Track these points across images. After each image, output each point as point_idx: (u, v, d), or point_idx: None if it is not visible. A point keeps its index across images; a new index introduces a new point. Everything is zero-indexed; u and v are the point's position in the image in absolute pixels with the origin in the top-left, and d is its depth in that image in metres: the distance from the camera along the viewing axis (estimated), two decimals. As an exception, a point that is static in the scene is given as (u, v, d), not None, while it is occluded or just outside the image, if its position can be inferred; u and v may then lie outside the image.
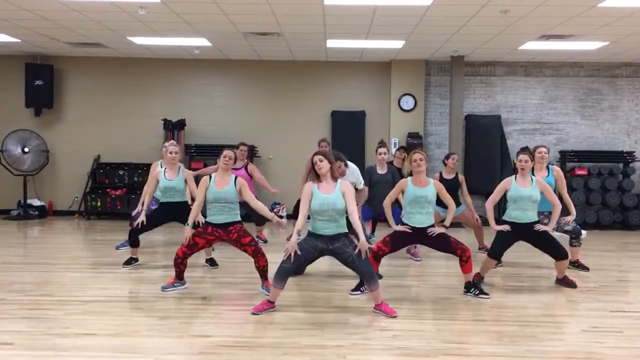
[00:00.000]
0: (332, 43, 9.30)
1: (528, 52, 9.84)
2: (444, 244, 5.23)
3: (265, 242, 8.24)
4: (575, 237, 6.41)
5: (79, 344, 4.02)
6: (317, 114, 10.80)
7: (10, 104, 10.86)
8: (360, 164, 7.44)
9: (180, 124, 10.76)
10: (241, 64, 11.02)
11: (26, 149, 10.60)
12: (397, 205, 5.89)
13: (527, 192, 5.45)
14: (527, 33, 8.44)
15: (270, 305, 4.74)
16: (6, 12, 7.57)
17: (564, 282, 5.75)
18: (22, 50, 10.33)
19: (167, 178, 6.36)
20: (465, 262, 5.19)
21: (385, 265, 6.91)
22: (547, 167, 6.36)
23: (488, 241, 7.33)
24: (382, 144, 7.24)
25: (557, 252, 5.49)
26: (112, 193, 10.61)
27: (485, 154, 10.63)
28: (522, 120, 10.96)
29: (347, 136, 10.61)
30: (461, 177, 7.39)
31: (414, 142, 10.17)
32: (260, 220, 8.15)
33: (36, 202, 10.81)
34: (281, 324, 4.50)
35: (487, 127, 10.70)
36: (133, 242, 6.48)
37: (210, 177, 5.31)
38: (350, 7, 7.09)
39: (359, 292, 5.32)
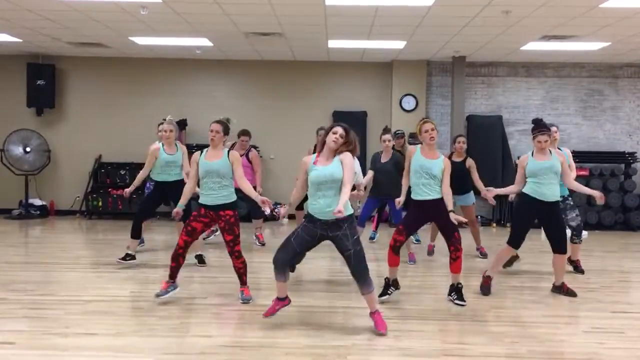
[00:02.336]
0: (333, 43, 9.29)
1: (530, 53, 9.83)
2: (448, 228, 5.00)
3: (263, 244, 7.92)
4: (576, 233, 6.27)
5: (79, 344, 4.03)
6: (318, 114, 10.79)
7: (11, 104, 10.87)
8: (361, 164, 7.37)
9: (182, 124, 10.76)
10: (242, 64, 11.03)
11: (28, 149, 10.61)
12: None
13: (545, 163, 5.20)
14: (529, 33, 8.43)
15: (281, 303, 4.48)
16: (8, 12, 7.57)
17: (563, 289, 5.47)
18: (23, 50, 10.34)
19: (166, 152, 6.47)
20: (454, 260, 5.03)
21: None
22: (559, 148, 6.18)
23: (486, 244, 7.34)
24: (386, 130, 6.90)
25: (559, 243, 5.27)
26: (113, 193, 10.61)
27: (487, 155, 10.61)
28: (523, 120, 10.94)
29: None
30: (470, 162, 7.13)
31: (415, 143, 10.11)
32: (257, 214, 7.86)
33: (38, 202, 10.82)
34: (282, 324, 4.50)
35: (489, 128, 10.69)
36: (135, 232, 6.47)
37: (201, 152, 5.10)
38: (352, 7, 7.09)
39: (386, 296, 5.15)
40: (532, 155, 5.35)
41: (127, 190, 6.48)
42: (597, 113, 10.96)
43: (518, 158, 10.71)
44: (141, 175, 6.56)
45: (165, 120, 6.66)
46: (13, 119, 10.73)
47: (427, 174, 4.95)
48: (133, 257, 6.50)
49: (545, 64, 10.83)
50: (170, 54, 10.53)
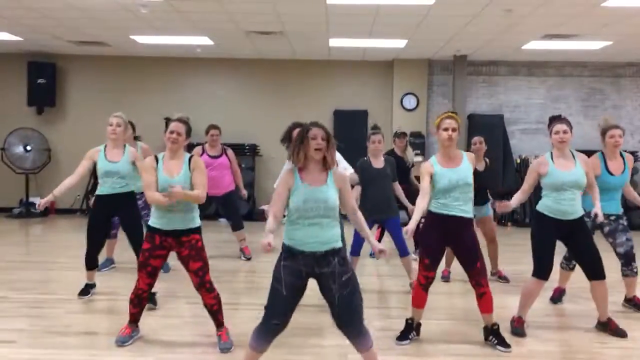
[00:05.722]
0: (334, 42, 9.28)
1: (531, 52, 9.81)
2: (470, 256, 4.01)
3: (249, 259, 6.92)
4: (626, 263, 4.83)
5: (80, 343, 4.03)
6: (319, 113, 10.71)
7: (12, 103, 10.86)
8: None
9: (183, 123, 10.75)
10: (243, 63, 11.02)
11: (28, 148, 10.61)
12: (398, 216, 5.46)
13: (570, 176, 4.17)
14: (530, 32, 8.42)
15: None
16: (9, 10, 7.56)
17: (610, 328, 4.37)
18: (24, 48, 10.33)
19: (107, 159, 4.94)
20: (479, 297, 4.06)
21: (385, 265, 6.92)
22: (621, 155, 4.98)
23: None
24: (375, 129, 5.68)
25: (594, 267, 4.23)
26: (114, 191, 10.57)
27: (488, 154, 10.58)
28: (525, 119, 10.94)
29: (349, 136, 10.53)
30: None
31: (416, 142, 10.17)
32: (238, 225, 6.97)
33: (38, 201, 10.77)
34: (283, 323, 4.49)
35: (490, 127, 10.66)
36: (90, 263, 5.23)
37: (157, 159, 3.94)
38: (353, 6, 7.07)
39: (407, 341, 4.18)
40: (552, 159, 4.26)
41: (42, 201, 4.90)
42: (598, 112, 10.92)
43: (520, 157, 10.89)
44: (67, 182, 5.01)
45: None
46: (13, 118, 10.71)
47: (463, 184, 3.95)
48: (93, 286, 5.35)
49: (547, 63, 10.81)
50: (171, 52, 10.52)
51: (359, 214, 3.38)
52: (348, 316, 3.15)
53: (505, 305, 4.92)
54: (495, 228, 6.11)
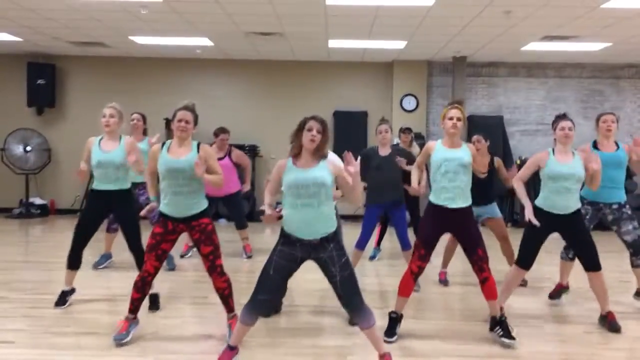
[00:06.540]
0: (334, 43, 9.29)
1: (530, 53, 9.82)
2: (471, 242, 4.09)
3: (250, 257, 7.03)
4: (635, 252, 4.80)
5: (79, 343, 4.03)
6: (318, 114, 10.67)
7: (12, 103, 10.87)
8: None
9: (182, 124, 10.75)
10: (243, 64, 11.03)
11: (28, 148, 10.61)
12: (404, 205, 5.49)
13: (567, 168, 4.29)
14: (530, 34, 8.43)
15: (233, 353, 3.63)
16: (9, 11, 7.57)
17: (607, 320, 4.50)
18: (24, 49, 10.34)
19: (101, 149, 4.73)
20: (482, 283, 4.10)
21: (385, 265, 6.93)
22: (616, 142, 5.02)
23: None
24: (383, 120, 5.63)
25: (589, 258, 4.36)
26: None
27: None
28: (524, 121, 10.95)
29: (349, 137, 10.61)
30: (497, 162, 5.90)
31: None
32: (241, 224, 7.07)
33: (38, 201, 10.82)
34: (282, 323, 4.50)
35: (490, 128, 10.66)
36: (72, 261, 4.84)
37: (163, 145, 3.94)
38: (352, 7, 7.09)
39: (395, 337, 4.18)
40: (554, 153, 4.39)
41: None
42: (598, 113, 10.93)
43: (519, 158, 10.88)
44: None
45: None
46: (13, 118, 10.71)
47: (457, 165, 4.04)
48: (71, 292, 4.98)
49: (546, 64, 10.83)
50: (170, 53, 10.52)
51: (357, 190, 3.43)
52: (350, 296, 3.41)
53: (506, 304, 4.91)
54: (506, 228, 5.97)
